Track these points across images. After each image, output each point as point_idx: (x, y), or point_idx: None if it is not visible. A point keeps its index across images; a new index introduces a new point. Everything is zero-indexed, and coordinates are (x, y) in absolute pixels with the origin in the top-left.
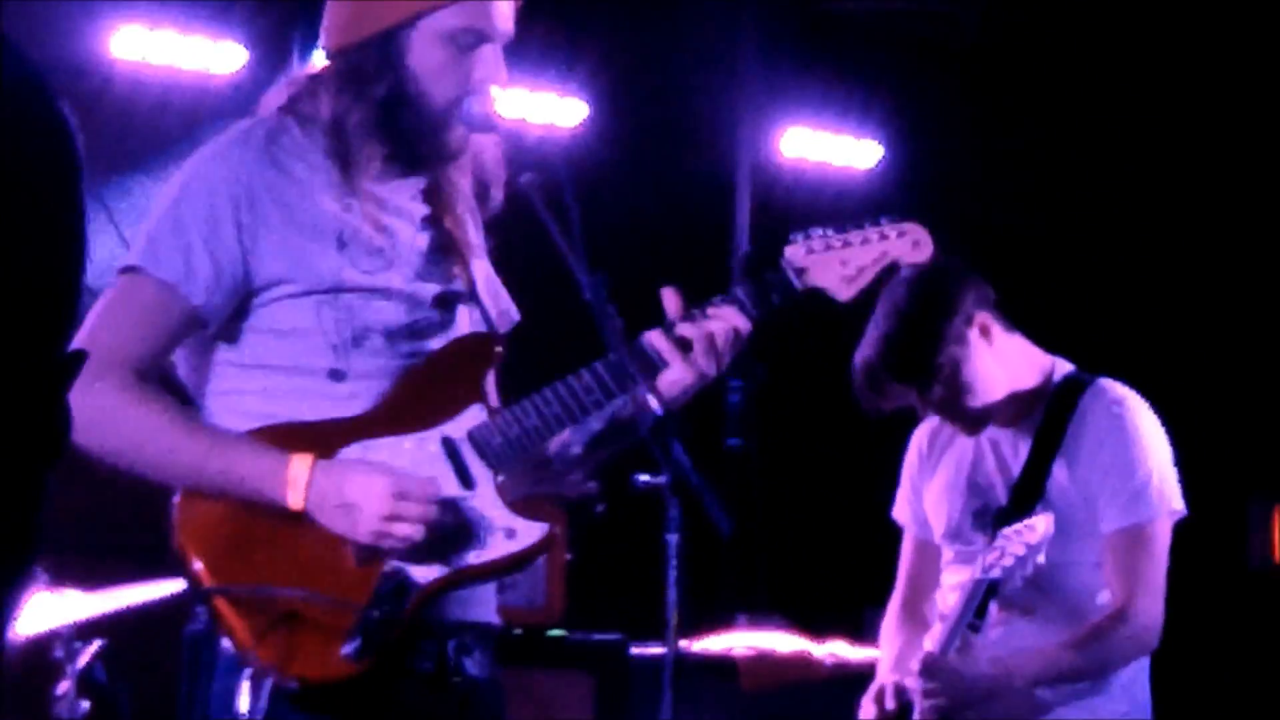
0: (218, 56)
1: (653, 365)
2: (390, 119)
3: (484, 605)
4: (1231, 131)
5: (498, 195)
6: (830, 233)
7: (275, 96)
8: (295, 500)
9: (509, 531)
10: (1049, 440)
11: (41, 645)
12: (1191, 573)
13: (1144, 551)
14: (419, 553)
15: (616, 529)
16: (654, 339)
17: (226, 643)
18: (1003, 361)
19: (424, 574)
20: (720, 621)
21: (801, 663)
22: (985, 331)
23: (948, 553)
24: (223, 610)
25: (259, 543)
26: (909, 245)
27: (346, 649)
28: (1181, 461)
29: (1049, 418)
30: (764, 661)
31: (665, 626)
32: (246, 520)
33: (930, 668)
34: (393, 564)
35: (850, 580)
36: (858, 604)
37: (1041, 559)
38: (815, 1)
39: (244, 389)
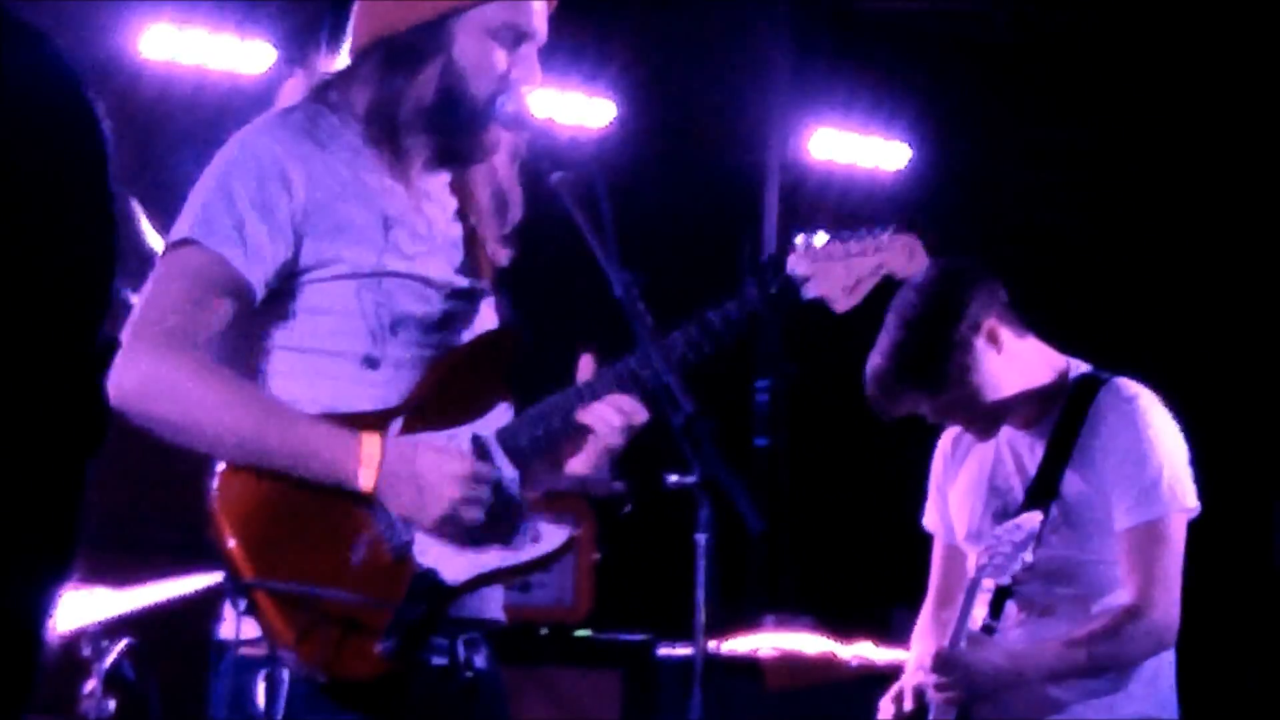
0: (246, 56)
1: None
2: (438, 109)
3: (493, 603)
4: (1263, 130)
5: (515, 213)
6: (831, 240)
7: (294, 87)
8: (367, 480)
9: (535, 534)
10: (1063, 440)
11: (69, 643)
12: (1216, 572)
13: (1158, 547)
14: (449, 551)
15: (645, 528)
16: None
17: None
18: (1013, 365)
19: (454, 574)
20: (747, 622)
21: (828, 664)
22: (993, 337)
23: (971, 555)
24: (263, 606)
25: (297, 533)
26: (905, 257)
27: (381, 646)
28: (1207, 461)
29: (1064, 418)
30: (790, 662)
31: (693, 626)
32: (286, 507)
33: (941, 661)
34: (424, 564)
35: (878, 581)
36: (885, 605)
37: (1029, 556)
38: (845, 1)
39: (278, 372)
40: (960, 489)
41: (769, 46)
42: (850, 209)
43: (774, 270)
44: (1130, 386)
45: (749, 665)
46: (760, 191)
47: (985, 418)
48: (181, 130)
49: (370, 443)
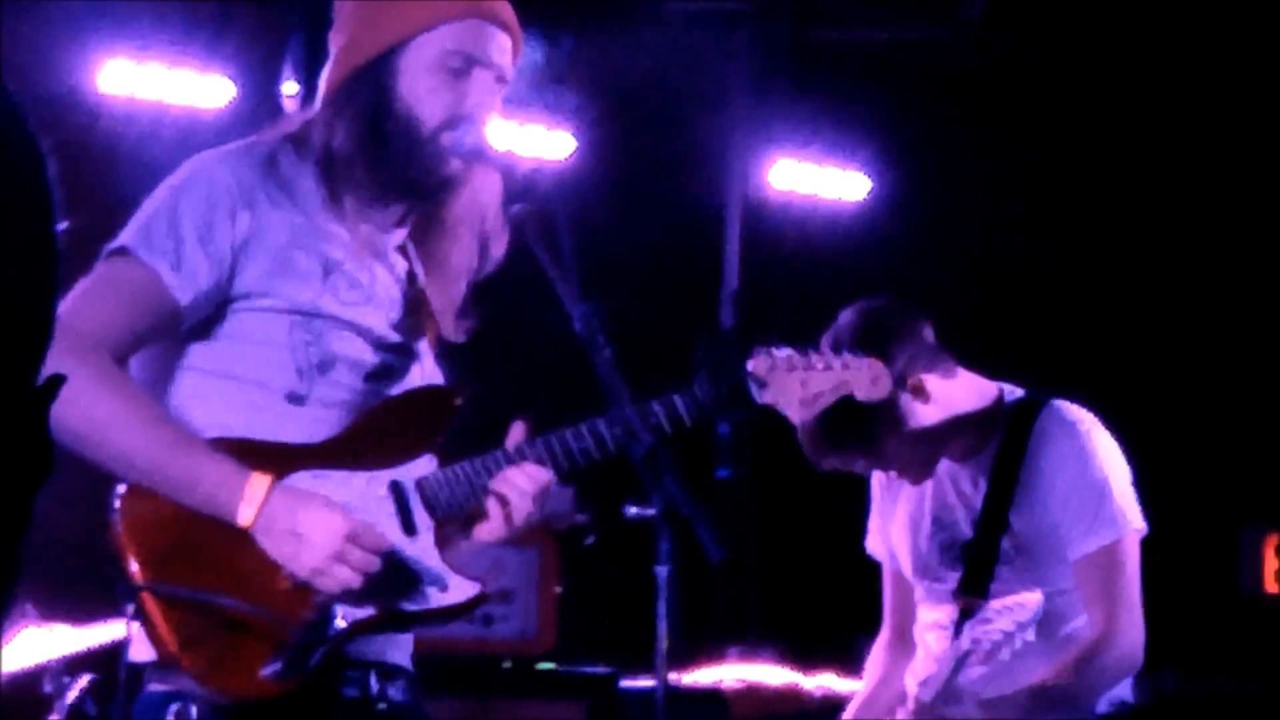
0: (206, 90)
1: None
2: (376, 140)
3: (401, 650)
4: (1227, 158)
5: (497, 251)
6: (794, 353)
7: (284, 126)
8: (246, 517)
9: (442, 585)
10: (1006, 470)
11: (30, 680)
12: (1183, 599)
13: (1115, 572)
14: (353, 589)
15: (607, 560)
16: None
17: (153, 682)
18: (942, 408)
19: (354, 610)
20: (711, 653)
21: (792, 695)
22: (919, 391)
23: (919, 589)
24: (151, 611)
25: (199, 548)
26: (868, 381)
27: (267, 670)
28: (1175, 489)
29: (1004, 446)
30: (754, 694)
31: (656, 658)
32: (190, 524)
33: (920, 716)
34: (326, 596)
35: (842, 611)
36: (850, 635)
37: (1031, 635)
38: (805, 32)
39: (201, 396)
40: (900, 522)
41: (729, 78)
42: (812, 240)
43: (731, 369)
44: (1069, 410)
45: (713, 697)
46: (721, 223)
47: (919, 465)
48: (141, 165)
49: (258, 482)
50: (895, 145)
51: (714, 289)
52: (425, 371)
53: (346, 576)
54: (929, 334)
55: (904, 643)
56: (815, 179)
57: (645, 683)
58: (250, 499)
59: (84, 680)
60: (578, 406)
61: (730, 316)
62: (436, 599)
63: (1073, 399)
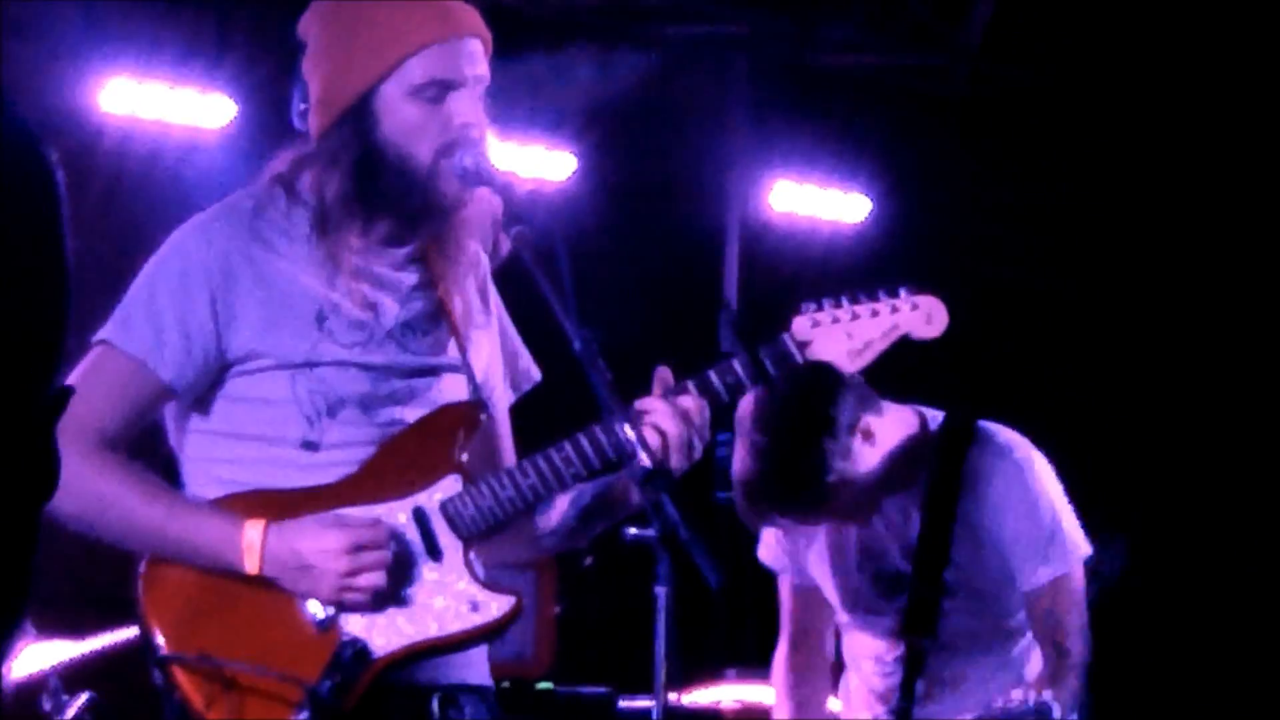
0: (207, 110)
1: (625, 451)
2: (370, 186)
3: (468, 668)
4: (1221, 180)
5: (505, 245)
6: (842, 303)
7: (275, 166)
8: (251, 565)
9: (473, 605)
10: (943, 503)
11: (28, 697)
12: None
13: (1067, 600)
14: (380, 622)
15: (605, 582)
16: (626, 429)
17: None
18: (882, 447)
19: (383, 644)
20: (709, 675)
21: None
22: (867, 435)
23: (844, 616)
24: (177, 676)
25: (220, 608)
26: (922, 319)
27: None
28: (1171, 528)
29: (937, 478)
30: (752, 714)
31: (654, 679)
32: (210, 586)
33: None
34: (351, 633)
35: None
36: None
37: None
38: (805, 55)
39: (217, 457)
40: (819, 550)
41: (728, 100)
42: (812, 261)
43: (766, 339)
44: (1001, 435)
45: (711, 717)
46: (721, 244)
47: (865, 509)
48: (142, 184)
49: (252, 529)
50: (895, 168)
51: (713, 310)
52: (459, 385)
53: (370, 581)
54: (860, 380)
55: (805, 651)
56: (815, 201)
57: (643, 704)
58: (249, 548)
59: (82, 699)
60: (574, 428)
61: (728, 338)
62: (467, 620)
63: (1072, 425)
